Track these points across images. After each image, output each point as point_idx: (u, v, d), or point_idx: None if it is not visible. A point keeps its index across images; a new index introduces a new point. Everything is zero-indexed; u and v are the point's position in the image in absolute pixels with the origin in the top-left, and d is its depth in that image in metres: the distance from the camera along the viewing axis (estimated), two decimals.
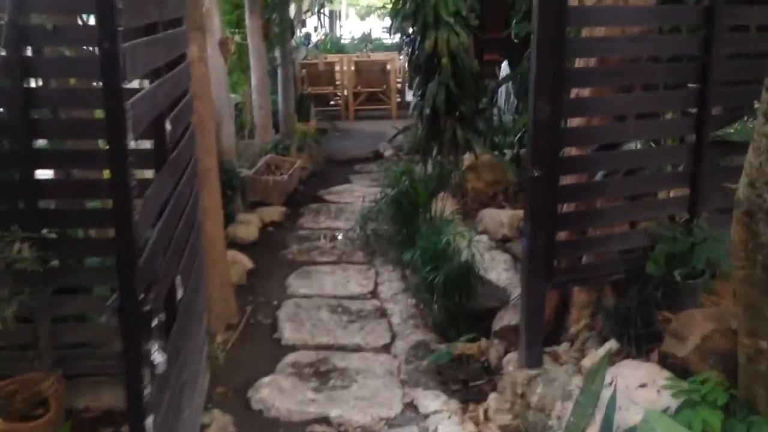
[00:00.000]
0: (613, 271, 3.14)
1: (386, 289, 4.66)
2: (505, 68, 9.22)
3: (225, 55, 5.87)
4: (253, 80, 7.52)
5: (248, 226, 5.65)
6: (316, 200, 6.97)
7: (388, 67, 11.95)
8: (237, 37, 7.35)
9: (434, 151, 5.91)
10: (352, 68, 11.91)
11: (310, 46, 13.89)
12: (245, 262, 4.98)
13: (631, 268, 3.11)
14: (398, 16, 5.60)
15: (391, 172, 6.75)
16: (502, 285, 4.27)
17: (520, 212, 5.13)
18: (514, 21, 6.97)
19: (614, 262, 3.17)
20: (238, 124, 8.17)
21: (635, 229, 3.24)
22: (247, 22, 7.37)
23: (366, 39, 18.34)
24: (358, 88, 11.87)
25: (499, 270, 4.43)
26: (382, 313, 4.28)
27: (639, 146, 3.20)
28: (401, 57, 13.98)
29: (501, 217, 5.04)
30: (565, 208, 3.19)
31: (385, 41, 18.66)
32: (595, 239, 3.20)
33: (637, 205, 3.23)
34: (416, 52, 5.64)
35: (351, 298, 4.56)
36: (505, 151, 6.87)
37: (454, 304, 3.82)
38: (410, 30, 5.57)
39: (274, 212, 6.26)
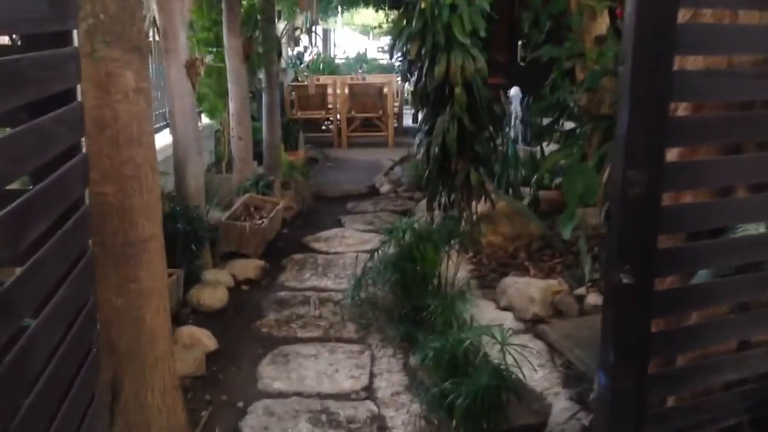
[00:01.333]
0: (724, 413, 2.13)
1: (384, 384, 3.63)
2: (515, 95, 8.29)
3: (192, 80, 4.87)
4: (231, 107, 6.52)
5: (215, 289, 4.61)
6: (302, 249, 5.94)
7: (385, 90, 11.00)
8: (209, 59, 6.37)
9: (442, 198, 4.89)
10: (346, 91, 10.94)
11: (301, 66, 12.94)
12: (206, 341, 3.94)
13: (752, 406, 2.11)
14: (401, 35, 4.61)
15: (389, 225, 5.83)
16: (537, 389, 3.25)
17: (553, 283, 4.12)
18: (530, 41, 6.03)
19: (722, 400, 2.16)
20: (216, 155, 7.17)
21: (751, 350, 2.23)
22: (225, 40, 6.38)
23: (361, 59, 17.44)
24: (352, 113, 10.91)
25: (531, 365, 3.40)
26: (381, 427, 3.24)
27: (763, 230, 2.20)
28: (399, 80, 13.09)
29: (530, 291, 4.02)
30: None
31: (381, 61, 17.80)
32: (699, 368, 2.17)
33: (756, 316, 2.21)
34: (423, 79, 4.65)
35: (339, 397, 3.52)
36: (522, 191, 5.90)
37: (480, 430, 2.78)
38: (415, 53, 4.58)
39: (250, 267, 5.22)
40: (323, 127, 11.38)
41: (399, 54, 5.06)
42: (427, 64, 4.55)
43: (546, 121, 8.08)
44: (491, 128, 4.80)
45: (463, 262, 4.72)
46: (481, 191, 4.81)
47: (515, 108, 8.44)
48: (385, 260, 4.34)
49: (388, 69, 15.65)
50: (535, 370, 3.35)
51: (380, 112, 10.90)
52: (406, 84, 14.69)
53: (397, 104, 11.90)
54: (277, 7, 9.64)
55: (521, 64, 11.12)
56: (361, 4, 15.27)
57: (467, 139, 4.64)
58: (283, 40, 9.99)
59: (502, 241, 4.91)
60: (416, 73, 4.66)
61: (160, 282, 3.01)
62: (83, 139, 1.93)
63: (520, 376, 3.13)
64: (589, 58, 5.48)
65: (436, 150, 4.63)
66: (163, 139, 5.86)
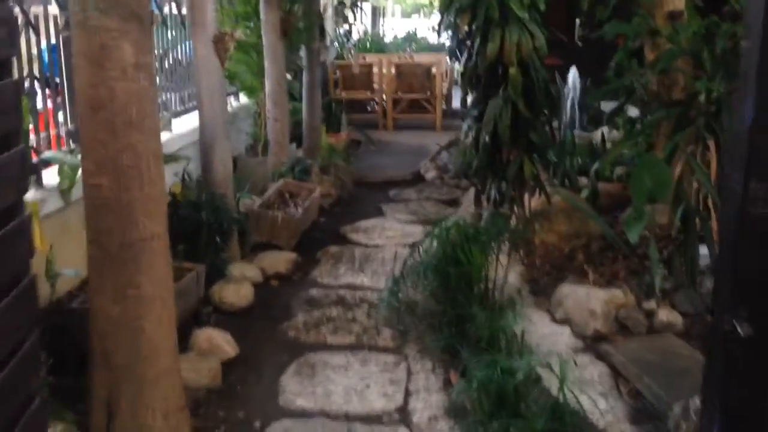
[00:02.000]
0: None
1: (421, 405, 3.18)
2: (573, 77, 7.70)
3: (221, 56, 4.46)
4: (267, 87, 6.11)
5: (240, 286, 4.22)
6: (338, 240, 5.52)
7: (434, 70, 10.46)
8: (239, 33, 5.97)
9: (492, 191, 4.40)
10: (393, 71, 10.45)
11: (348, 44, 12.48)
12: (225, 347, 3.56)
13: None
14: (450, 9, 4.11)
15: (433, 216, 5.39)
16: (599, 424, 2.76)
17: (617, 293, 3.61)
18: (592, 18, 5.44)
19: None
20: (252, 137, 6.79)
21: None
22: (262, 14, 5.97)
23: (410, 38, 16.88)
24: (399, 93, 10.41)
25: (592, 392, 2.92)
26: None
27: None
28: (450, 61, 12.53)
29: (591, 302, 3.52)
30: None
31: (431, 41, 17.22)
32: None
33: None
34: (473, 58, 4.15)
35: (369, 420, 3.09)
36: (580, 180, 5.36)
37: None
38: (465, 29, 4.08)
39: (281, 260, 4.83)
40: (368, 108, 10.92)
41: (448, 31, 4.57)
42: (478, 41, 4.05)
43: (606, 106, 7.50)
44: (548, 113, 4.27)
45: (513, 262, 4.24)
46: (535, 184, 4.30)
47: (572, 90, 7.88)
48: (426, 262, 3.89)
49: (437, 49, 15.09)
50: (598, 400, 2.87)
51: (428, 93, 10.38)
52: (456, 63, 14.21)
53: (446, 85, 11.36)
54: None
55: (578, 43, 10.53)
56: None
57: (522, 127, 4.14)
58: (328, 15, 9.54)
59: (558, 241, 4.40)
60: (466, 51, 4.16)
61: (163, 288, 2.62)
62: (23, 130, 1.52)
63: (579, 408, 2.66)
64: (662, 36, 4.90)
65: (486, 138, 4.14)
66: (191, 122, 5.47)
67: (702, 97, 4.26)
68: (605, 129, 7.41)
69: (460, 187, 7.12)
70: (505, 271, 3.83)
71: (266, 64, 6.04)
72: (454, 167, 7.47)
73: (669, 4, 5.11)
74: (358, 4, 9.69)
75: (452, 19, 4.12)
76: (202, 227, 4.25)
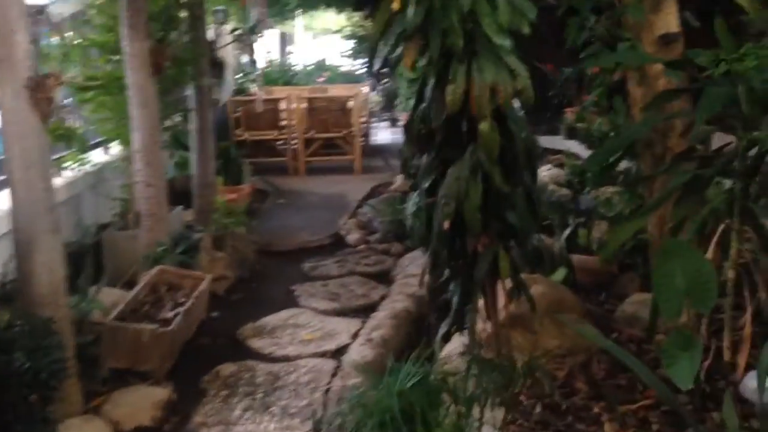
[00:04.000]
0: None
1: None
2: None
3: (42, 110, 2.93)
4: (136, 140, 4.56)
5: None
6: (235, 351, 4.01)
7: (350, 104, 9.11)
8: (73, 74, 4.45)
9: (454, 296, 3.02)
10: (304, 106, 9.03)
11: (252, 76, 11.00)
12: None
13: None
14: (387, 34, 2.73)
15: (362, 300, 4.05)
16: None
17: None
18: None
19: None
20: (121, 203, 5.20)
21: None
22: (125, 45, 4.44)
23: (321, 66, 15.58)
24: (311, 132, 8.99)
25: None
26: None
27: None
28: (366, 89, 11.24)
29: None
30: None
31: (345, 69, 15.97)
32: None
33: None
34: (424, 104, 2.78)
35: None
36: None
37: None
38: (411, 61, 2.70)
39: (145, 403, 3.29)
40: (276, 149, 9.41)
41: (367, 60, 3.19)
42: (432, 81, 2.68)
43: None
44: (530, 182, 2.94)
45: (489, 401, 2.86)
46: (516, 285, 2.95)
47: None
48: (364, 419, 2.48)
49: (352, 79, 13.85)
50: None
51: (344, 132, 9.01)
52: (374, 92, 12.92)
53: (364, 119, 10.05)
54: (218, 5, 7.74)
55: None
56: (322, 6, 13.46)
57: (496, 205, 2.79)
58: (225, 43, 8.05)
59: (547, 362, 3.06)
60: (418, 94, 2.78)
61: None
62: None
63: None
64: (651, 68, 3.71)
65: (445, 223, 2.76)
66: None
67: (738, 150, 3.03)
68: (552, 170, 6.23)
69: (390, 253, 5.74)
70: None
71: (132, 110, 4.51)
72: (382, 228, 6.08)
73: (661, 25, 3.93)
74: (256, 31, 8.21)
75: (390, 50, 2.74)
76: (11, 380, 2.69)
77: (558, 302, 3.33)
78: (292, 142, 9.05)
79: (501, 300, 3.06)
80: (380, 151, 10.30)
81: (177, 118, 6.40)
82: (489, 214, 2.79)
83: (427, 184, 2.91)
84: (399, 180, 7.76)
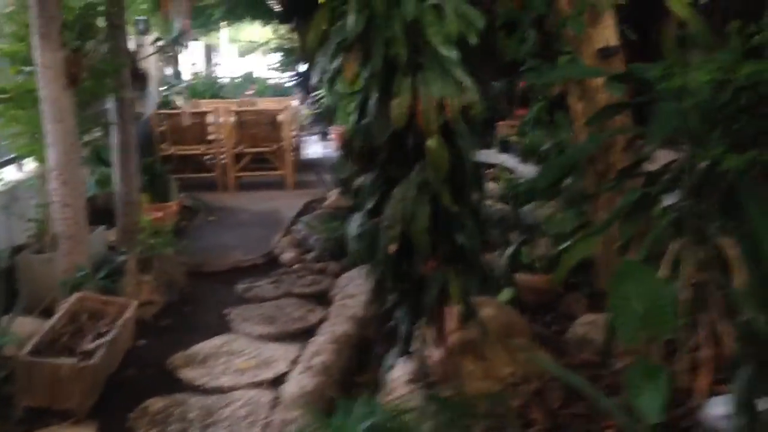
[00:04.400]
0: None
1: None
2: None
3: None
4: (51, 157, 4.23)
5: None
6: (164, 383, 3.73)
7: (280, 118, 8.87)
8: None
9: (401, 325, 2.85)
10: (232, 120, 8.74)
11: (180, 87, 10.63)
12: None
13: None
14: (327, 47, 2.56)
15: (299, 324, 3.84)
16: None
17: None
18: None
19: None
20: (37, 224, 4.83)
21: None
22: (36, 56, 4.12)
23: (248, 78, 15.28)
24: (241, 147, 8.69)
25: None
26: None
27: None
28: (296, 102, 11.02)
29: None
30: None
31: (272, 80, 15.69)
32: None
33: None
34: (365, 119, 2.62)
35: None
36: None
37: None
38: (351, 74, 2.53)
39: None
40: (205, 164, 9.06)
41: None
42: (375, 96, 2.52)
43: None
44: (478, 201, 2.80)
45: None
46: (466, 309, 2.81)
47: None
48: None
49: (281, 92, 13.61)
50: None
51: (276, 146, 8.75)
52: (303, 105, 12.69)
53: (294, 132, 9.82)
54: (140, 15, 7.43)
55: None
56: (247, 18, 13.16)
57: (445, 225, 2.64)
58: (147, 54, 7.73)
59: (500, 389, 2.92)
60: (360, 109, 2.61)
61: None
62: None
63: None
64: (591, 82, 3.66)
65: (391, 246, 2.59)
66: None
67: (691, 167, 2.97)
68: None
69: (326, 273, 5.54)
70: None
71: (47, 125, 4.18)
72: (318, 246, 5.87)
73: (599, 39, 3.89)
74: (180, 42, 7.90)
75: (328, 61, 2.56)
76: None
77: (507, 326, 3.21)
78: (221, 156, 8.73)
79: (449, 325, 2.92)
80: (312, 165, 10.08)
81: (97, 132, 6.07)
82: (437, 236, 2.65)
83: (370, 205, 2.74)
84: (333, 195, 7.56)
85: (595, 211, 3.83)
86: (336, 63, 2.54)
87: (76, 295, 3.96)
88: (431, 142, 2.46)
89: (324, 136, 13.48)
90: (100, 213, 5.64)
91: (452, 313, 2.86)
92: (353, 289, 4.94)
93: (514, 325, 3.30)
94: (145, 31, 7.41)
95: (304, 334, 4.36)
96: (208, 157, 8.93)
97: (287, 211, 7.35)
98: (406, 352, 2.87)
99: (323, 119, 13.41)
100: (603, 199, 3.79)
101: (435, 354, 2.93)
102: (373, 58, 2.43)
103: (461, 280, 2.74)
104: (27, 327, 3.87)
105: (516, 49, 3.91)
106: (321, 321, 4.55)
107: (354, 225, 2.80)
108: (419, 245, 2.55)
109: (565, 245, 3.47)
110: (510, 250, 4.22)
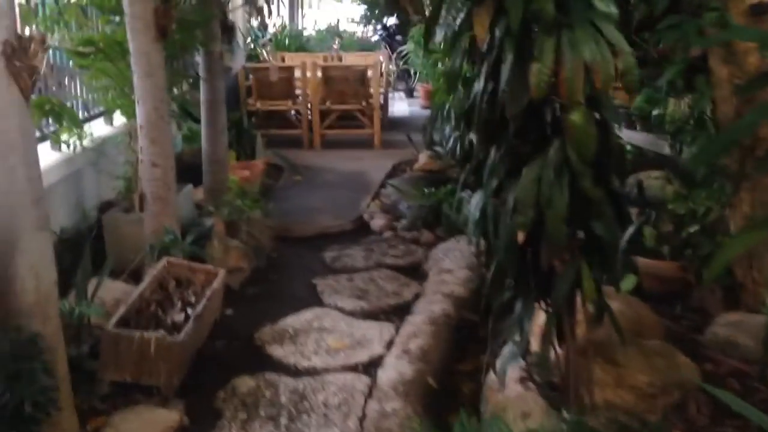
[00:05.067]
0: None
1: None
2: None
3: (21, 82, 2.40)
4: (140, 115, 4.01)
5: None
6: (253, 360, 3.51)
7: (369, 74, 8.51)
8: (61, 36, 3.89)
9: (523, 321, 2.50)
10: (319, 75, 8.44)
11: (262, 40, 10.39)
12: None
13: None
14: None
15: (393, 300, 3.57)
16: None
17: None
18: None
19: None
20: (124, 181, 4.69)
21: None
22: (126, 6, 3.88)
23: (333, 32, 14.90)
24: (327, 103, 8.41)
25: None
26: None
27: None
28: (383, 58, 10.61)
29: None
30: None
31: (356, 33, 15.33)
32: None
33: None
34: (496, 85, 2.23)
35: None
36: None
37: None
38: (483, 33, 2.15)
39: (150, 430, 2.81)
40: (290, 120, 8.83)
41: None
42: (510, 58, 2.12)
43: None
44: (619, 187, 2.40)
45: None
46: (598, 308, 2.43)
47: None
48: None
49: (369, 47, 13.23)
50: None
51: (363, 104, 8.42)
52: (391, 61, 12.27)
53: (382, 90, 9.46)
54: None
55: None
56: None
57: (582, 213, 2.26)
58: (236, 5, 7.47)
59: (635, 401, 2.55)
60: (490, 74, 2.22)
61: None
62: None
63: None
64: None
65: (518, 233, 2.23)
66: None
67: None
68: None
69: (420, 243, 5.23)
70: None
71: (136, 80, 3.96)
72: (410, 214, 5.55)
73: None
74: None
75: (453, 21, 2.19)
76: None
77: (637, 322, 2.83)
78: (307, 113, 8.47)
79: (577, 323, 2.55)
80: (399, 124, 9.72)
81: (185, 86, 5.88)
82: (572, 225, 2.27)
83: (494, 184, 2.38)
84: (423, 158, 7.21)
85: (737, 190, 3.36)
86: (460, 18, 2.16)
87: (163, 261, 3.77)
88: (575, 116, 2.07)
89: (410, 93, 13.05)
90: (186, 170, 5.47)
91: (581, 309, 2.49)
92: (450, 264, 4.63)
93: (644, 321, 2.91)
94: None
95: (398, 311, 4.10)
96: (293, 113, 8.69)
97: (375, 173, 7.06)
98: (525, 349, 2.53)
99: (409, 76, 12.99)
100: (749, 180, 3.31)
101: (558, 354, 2.57)
102: (511, 13, 2.03)
103: (595, 276, 2.37)
104: (114, 292, 3.74)
105: (651, 3, 3.41)
106: (416, 297, 4.27)
107: (475, 206, 2.44)
108: (554, 235, 2.18)
109: (722, 238, 3.01)
110: (630, 231, 3.78)
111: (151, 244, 3.97)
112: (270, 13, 8.06)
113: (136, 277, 4.03)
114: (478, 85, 2.27)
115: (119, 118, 5.17)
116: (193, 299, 3.61)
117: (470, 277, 4.43)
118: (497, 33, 2.13)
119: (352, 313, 4.07)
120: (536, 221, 2.23)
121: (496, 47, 2.14)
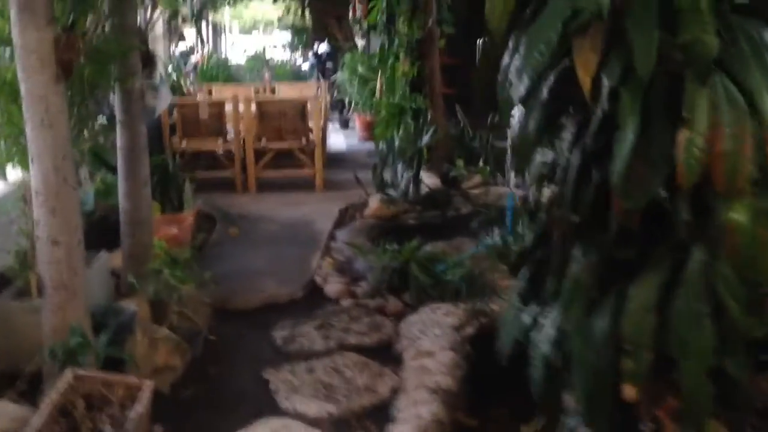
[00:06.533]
0: None
1: None
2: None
3: None
4: (36, 178, 3.03)
5: None
6: None
7: (309, 107, 7.66)
8: None
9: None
10: (253, 109, 7.53)
11: (188, 69, 9.42)
12: None
13: None
14: (526, 19, 1.37)
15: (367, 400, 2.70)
16: None
17: None
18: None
19: None
20: (15, 256, 3.67)
21: None
22: (16, 35, 2.92)
23: (260, 60, 14.06)
24: (263, 141, 7.50)
25: None
26: None
27: None
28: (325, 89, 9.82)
29: None
30: None
31: (279, 61, 14.53)
32: None
33: None
34: (586, 162, 1.42)
35: None
36: None
37: None
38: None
39: None
40: (221, 159, 7.83)
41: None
42: (633, 122, 1.33)
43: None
44: None
45: None
46: None
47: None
48: None
49: (300, 75, 12.41)
50: None
51: (303, 141, 7.55)
52: (322, 91, 11.46)
53: (322, 124, 8.61)
54: None
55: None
56: None
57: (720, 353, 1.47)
58: (156, 34, 6.51)
59: None
60: (581, 146, 1.43)
61: None
62: None
63: None
64: None
65: (629, 390, 1.42)
66: None
67: None
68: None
69: (386, 312, 4.38)
70: None
71: (29, 132, 2.99)
72: (373, 278, 4.70)
73: None
74: (203, 16, 6.66)
75: (536, 56, 1.39)
76: None
77: None
78: (241, 152, 7.52)
79: None
80: (338, 160, 8.91)
81: (97, 127, 4.88)
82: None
83: (581, 306, 1.57)
84: (374, 202, 6.42)
85: None
86: (544, 55, 1.37)
87: (68, 376, 2.79)
88: (739, 213, 1.30)
89: (345, 124, 12.26)
90: (101, 231, 4.51)
91: None
92: (429, 343, 3.82)
93: None
94: (154, 3, 6.17)
95: (375, 415, 3.25)
96: (223, 153, 7.73)
97: (322, 221, 6.20)
98: None
99: (344, 106, 12.22)
100: None
101: None
102: (637, 46, 1.25)
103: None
104: (2, 419, 2.74)
105: None
106: (394, 392, 3.43)
107: (545, 336, 1.63)
108: (694, 394, 1.40)
109: None
110: None
111: (51, 348, 2.98)
112: (202, 41, 7.13)
113: (34, 385, 3.05)
114: (563, 157, 1.47)
115: (14, 171, 4.15)
116: (108, 428, 2.65)
117: (456, 361, 3.64)
118: (605, 80, 1.33)
119: (316, 422, 3.18)
120: (656, 368, 1.43)
121: (603, 101, 1.34)
